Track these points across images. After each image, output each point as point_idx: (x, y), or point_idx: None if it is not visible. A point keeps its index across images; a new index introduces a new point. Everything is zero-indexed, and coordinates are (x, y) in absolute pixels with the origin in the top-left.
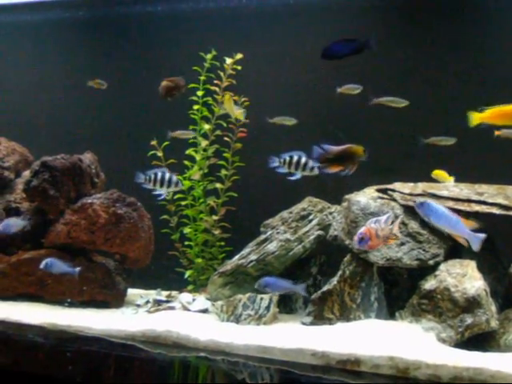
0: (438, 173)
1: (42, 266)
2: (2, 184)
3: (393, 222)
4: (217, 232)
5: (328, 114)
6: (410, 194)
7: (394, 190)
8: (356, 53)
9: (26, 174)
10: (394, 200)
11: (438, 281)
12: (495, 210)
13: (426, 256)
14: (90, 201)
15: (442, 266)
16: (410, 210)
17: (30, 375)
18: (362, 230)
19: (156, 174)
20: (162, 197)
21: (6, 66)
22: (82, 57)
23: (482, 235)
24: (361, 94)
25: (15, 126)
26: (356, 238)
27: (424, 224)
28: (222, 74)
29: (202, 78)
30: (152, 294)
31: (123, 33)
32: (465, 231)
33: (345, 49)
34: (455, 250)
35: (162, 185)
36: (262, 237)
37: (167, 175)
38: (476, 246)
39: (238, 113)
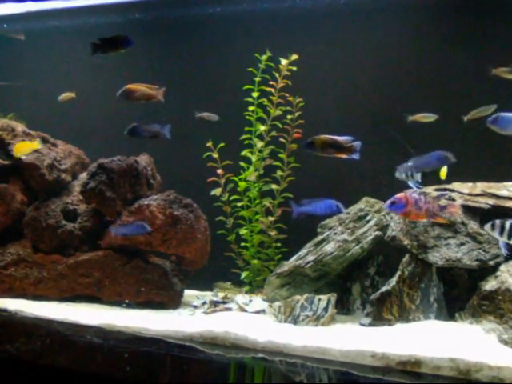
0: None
1: None
2: (60, 186)
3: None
4: (273, 233)
5: (383, 114)
6: (470, 194)
7: (452, 190)
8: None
9: (83, 176)
10: (453, 200)
11: (499, 282)
12: None
13: (486, 256)
14: (146, 202)
15: (503, 267)
16: (469, 210)
17: (88, 376)
18: (398, 194)
19: None
20: None
21: (62, 70)
22: (136, 59)
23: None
24: (413, 95)
25: (71, 129)
26: (389, 200)
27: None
28: (277, 74)
29: (257, 79)
30: (208, 295)
31: (178, 35)
32: None
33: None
34: None
35: None
36: (320, 237)
37: None
38: None
39: None
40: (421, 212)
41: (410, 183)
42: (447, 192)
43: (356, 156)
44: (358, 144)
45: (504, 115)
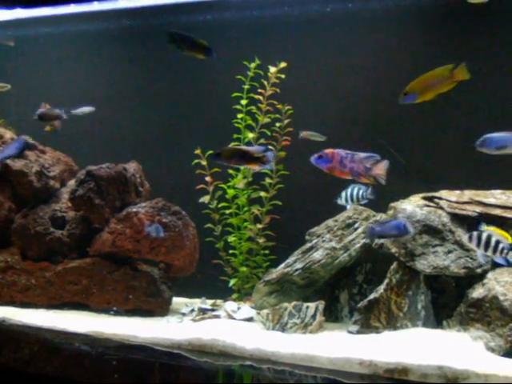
0: None
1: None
2: (48, 193)
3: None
4: (261, 240)
5: (372, 123)
6: (457, 202)
7: (440, 198)
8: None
9: (71, 183)
10: (441, 208)
11: (486, 289)
12: None
13: (473, 264)
14: (135, 210)
15: (490, 275)
16: (457, 218)
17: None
18: (326, 150)
19: None
20: None
21: (51, 76)
22: (125, 66)
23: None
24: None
25: (60, 136)
26: (316, 154)
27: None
28: (265, 82)
29: (246, 86)
30: (197, 303)
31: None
32: None
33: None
34: None
35: None
36: (308, 245)
37: None
38: None
39: None
40: (345, 169)
41: (348, 207)
42: (376, 155)
43: (269, 166)
44: (270, 154)
45: (490, 136)
